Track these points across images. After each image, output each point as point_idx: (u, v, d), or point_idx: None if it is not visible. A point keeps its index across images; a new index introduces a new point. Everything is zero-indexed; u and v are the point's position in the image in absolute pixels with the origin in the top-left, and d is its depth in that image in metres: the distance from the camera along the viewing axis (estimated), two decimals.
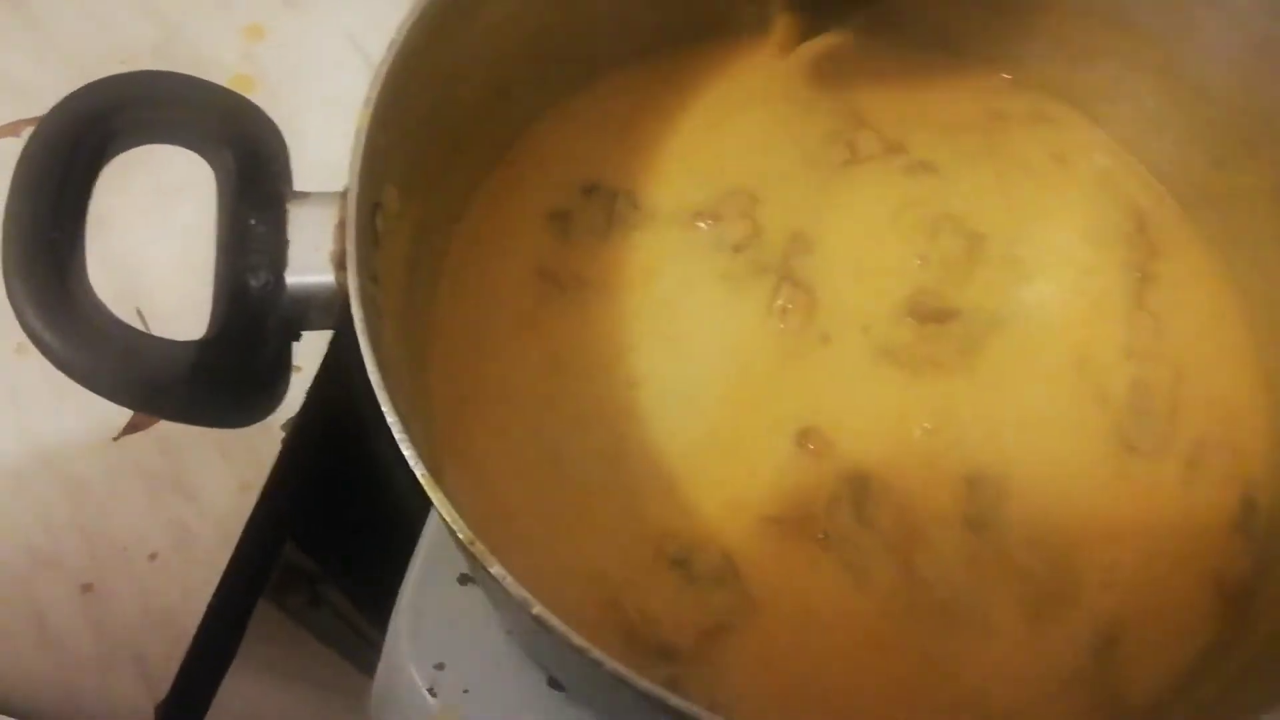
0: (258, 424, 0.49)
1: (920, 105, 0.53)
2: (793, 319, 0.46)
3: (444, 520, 0.31)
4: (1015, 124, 0.53)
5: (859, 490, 0.42)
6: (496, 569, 0.30)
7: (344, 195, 0.36)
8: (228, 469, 0.48)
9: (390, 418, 0.32)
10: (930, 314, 0.47)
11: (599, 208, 0.50)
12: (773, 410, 0.44)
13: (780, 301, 0.47)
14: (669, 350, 0.46)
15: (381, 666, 0.50)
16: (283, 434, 0.49)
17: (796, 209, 0.50)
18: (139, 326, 0.35)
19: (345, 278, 0.34)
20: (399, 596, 0.51)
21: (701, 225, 0.49)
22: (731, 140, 0.52)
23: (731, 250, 0.49)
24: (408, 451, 0.31)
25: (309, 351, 0.51)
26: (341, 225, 0.36)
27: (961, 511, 0.42)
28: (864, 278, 0.48)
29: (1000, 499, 0.42)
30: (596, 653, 0.29)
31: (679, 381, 0.45)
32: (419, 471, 0.31)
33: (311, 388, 0.50)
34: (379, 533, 0.54)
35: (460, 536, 0.31)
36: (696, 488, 0.43)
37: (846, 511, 0.42)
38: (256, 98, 0.60)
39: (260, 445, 0.49)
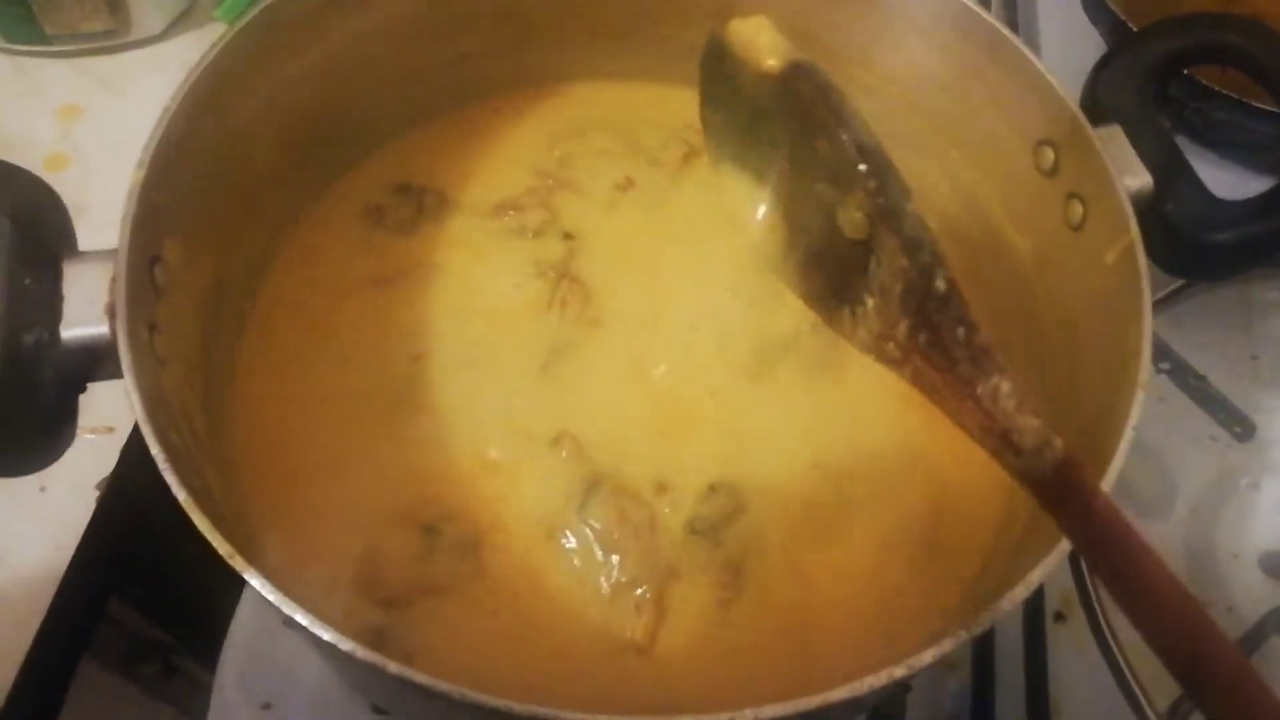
0: (71, 485, 0.51)
1: None
2: (570, 309, 0.51)
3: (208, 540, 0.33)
4: None
5: (589, 492, 0.46)
6: (255, 579, 0.32)
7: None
8: (40, 532, 0.49)
9: (154, 449, 0.34)
10: None
11: (410, 202, 0.55)
12: (540, 407, 0.48)
13: (560, 292, 0.51)
14: (455, 326, 0.50)
15: (211, 712, 0.51)
16: (96, 492, 0.50)
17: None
18: None
19: (116, 325, 0.37)
20: (225, 642, 0.52)
21: (506, 216, 0.54)
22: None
23: (530, 235, 0.53)
24: (169, 477, 0.34)
25: (122, 412, 0.52)
26: (115, 279, 0.38)
27: (688, 516, 0.46)
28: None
29: (736, 510, 0.46)
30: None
31: (461, 356, 0.49)
32: (181, 497, 0.33)
33: (126, 446, 0.51)
34: (220, 593, 0.55)
35: (221, 551, 0.33)
36: (464, 463, 0.46)
37: (574, 511, 0.45)
38: (69, 173, 0.62)
39: (73, 507, 0.49)
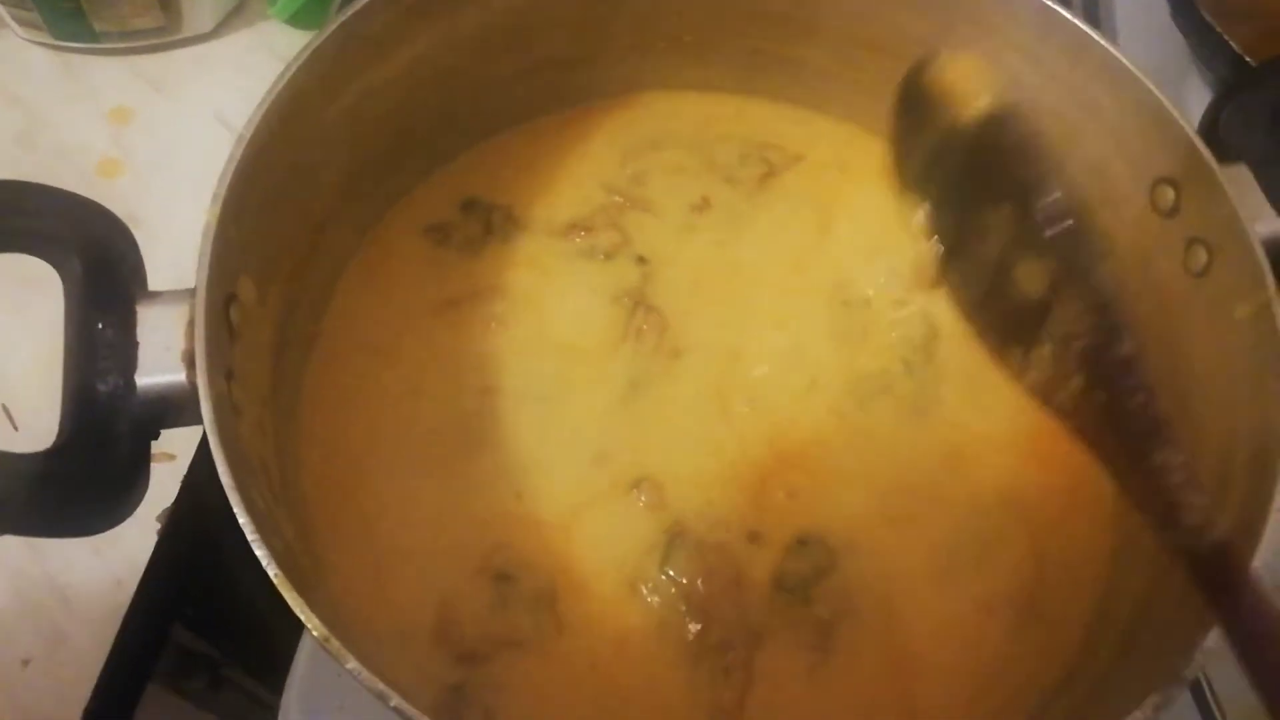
0: (133, 518, 0.49)
1: None
2: (647, 339, 0.48)
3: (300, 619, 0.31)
4: None
5: (672, 543, 0.43)
6: (352, 664, 0.31)
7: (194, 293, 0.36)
8: (101, 567, 0.47)
9: (242, 518, 0.32)
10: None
11: (476, 220, 0.52)
12: (618, 446, 0.46)
13: (637, 321, 0.49)
14: (525, 356, 0.48)
15: None
16: (158, 525, 0.48)
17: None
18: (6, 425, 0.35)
19: (195, 376, 0.35)
20: (289, 678, 0.51)
21: (577, 237, 0.52)
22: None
23: (602, 258, 0.51)
24: (260, 551, 0.32)
25: (183, 439, 0.50)
26: (192, 324, 0.36)
27: (776, 571, 0.43)
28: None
29: (828, 567, 0.44)
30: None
31: (533, 389, 0.47)
32: (271, 572, 0.31)
33: (187, 475, 0.49)
34: (274, 610, 0.53)
35: (315, 635, 0.31)
36: (537, 507, 0.44)
37: (656, 564, 0.43)
38: (123, 181, 0.60)
39: (134, 540, 0.48)
